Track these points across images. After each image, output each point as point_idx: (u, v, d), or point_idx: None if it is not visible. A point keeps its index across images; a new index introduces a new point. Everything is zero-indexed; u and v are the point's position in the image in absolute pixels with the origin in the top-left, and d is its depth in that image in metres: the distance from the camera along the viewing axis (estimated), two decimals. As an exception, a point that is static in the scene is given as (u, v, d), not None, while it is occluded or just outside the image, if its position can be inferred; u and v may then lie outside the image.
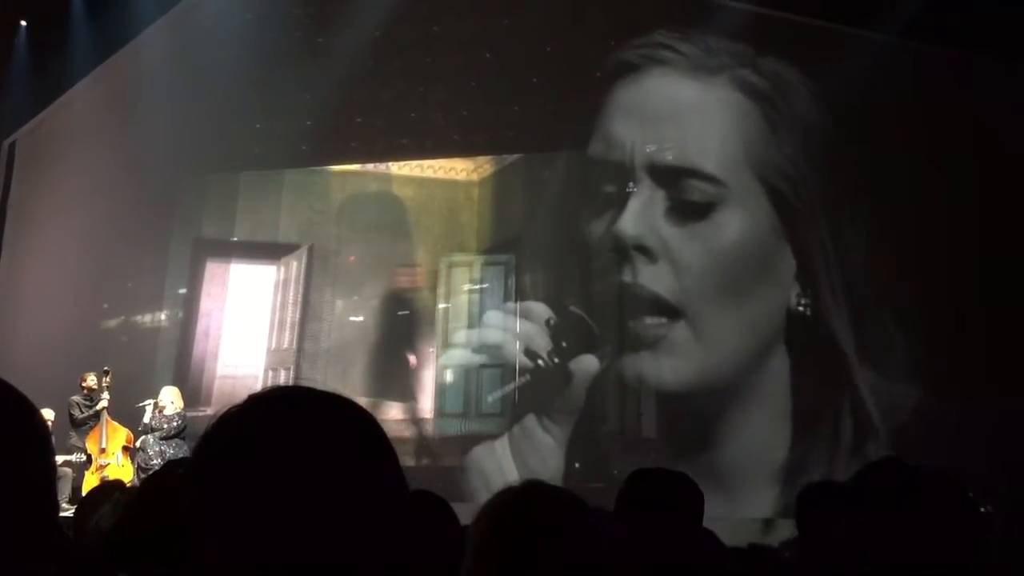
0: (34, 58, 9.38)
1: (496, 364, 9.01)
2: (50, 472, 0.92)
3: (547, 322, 8.82)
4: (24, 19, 9.47)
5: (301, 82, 9.34)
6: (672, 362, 8.53)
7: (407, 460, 8.81)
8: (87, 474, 7.72)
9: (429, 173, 9.91)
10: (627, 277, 8.67)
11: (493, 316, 9.16)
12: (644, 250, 8.66)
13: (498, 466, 8.63)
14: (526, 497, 1.23)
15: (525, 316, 8.96)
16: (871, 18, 8.71)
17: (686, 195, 8.73)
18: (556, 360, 8.71)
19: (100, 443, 7.83)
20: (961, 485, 1.34)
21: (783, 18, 8.95)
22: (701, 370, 8.51)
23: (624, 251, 8.68)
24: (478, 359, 9.10)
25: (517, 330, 8.99)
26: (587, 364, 8.65)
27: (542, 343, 8.79)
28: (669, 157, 8.85)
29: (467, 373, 9.15)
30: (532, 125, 9.38)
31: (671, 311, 8.54)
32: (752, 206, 8.79)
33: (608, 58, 9.19)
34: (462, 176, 9.87)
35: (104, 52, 9.46)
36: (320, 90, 9.23)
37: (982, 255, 8.74)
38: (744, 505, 8.05)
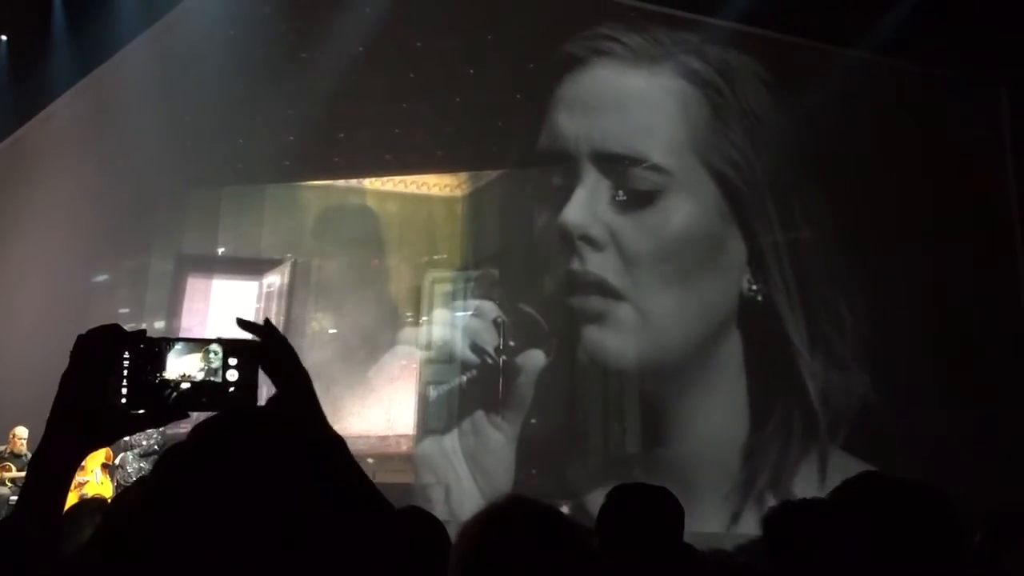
0: (15, 72, 9.32)
1: (480, 378, 9.01)
2: None
3: (495, 321, 8.89)
4: (4, 33, 9.42)
5: (284, 97, 9.33)
6: (617, 338, 8.62)
7: (391, 477, 8.78)
8: (65, 493, 7.61)
9: (412, 188, 9.91)
10: (575, 265, 8.75)
11: (440, 315, 9.23)
12: (589, 239, 8.75)
13: (448, 462, 8.67)
14: (509, 513, 1.22)
15: (474, 314, 9.02)
16: (825, 28, 8.92)
17: (631, 184, 8.83)
18: (504, 357, 8.79)
19: (78, 460, 7.73)
20: (942, 498, 1.34)
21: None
22: (647, 349, 8.60)
23: (570, 241, 8.76)
24: (461, 374, 9.09)
25: (464, 326, 9.07)
26: (534, 359, 8.71)
27: (489, 339, 8.86)
28: (613, 147, 8.94)
29: (450, 389, 9.12)
30: (515, 141, 9.41)
31: (617, 295, 8.63)
32: (698, 192, 8.88)
33: (554, 52, 9.27)
34: (445, 191, 9.88)
35: (85, 67, 9.42)
36: (303, 105, 9.23)
37: (934, 242, 8.91)
38: (702, 490, 8.12)
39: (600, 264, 8.70)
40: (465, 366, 8.93)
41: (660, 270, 8.70)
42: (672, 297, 8.66)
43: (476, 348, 8.89)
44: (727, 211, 8.87)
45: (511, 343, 8.83)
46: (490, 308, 8.99)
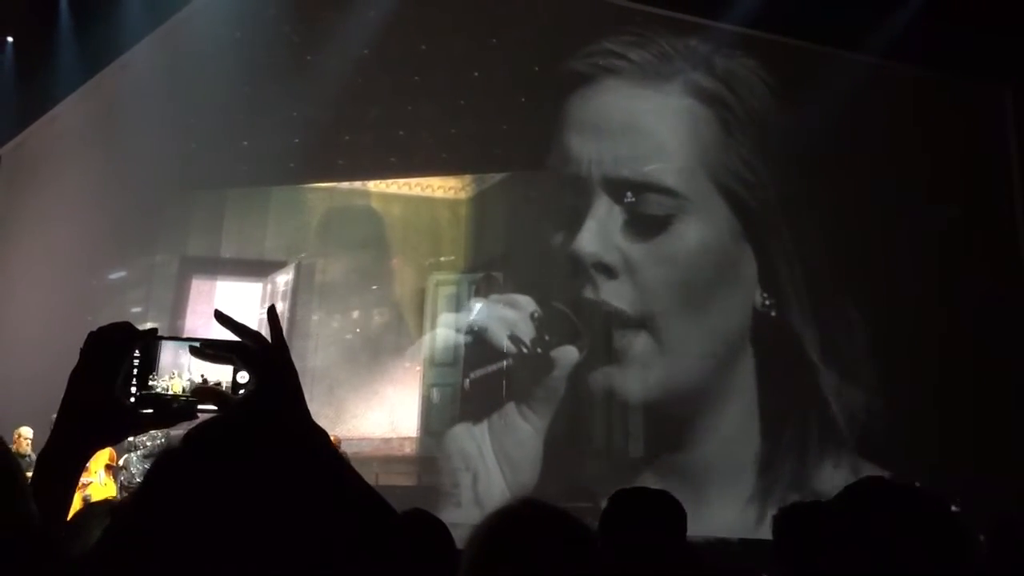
0: (20, 74, 9.34)
1: (483, 380, 9.01)
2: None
3: (531, 315, 8.87)
4: (10, 35, 9.44)
5: (289, 99, 9.33)
6: (638, 374, 8.61)
7: (394, 479, 8.79)
8: (69, 494, 7.61)
9: (416, 191, 9.92)
10: (588, 294, 8.72)
11: (473, 304, 9.21)
12: (603, 267, 8.72)
13: (478, 450, 8.67)
14: (521, 516, 1.22)
15: (511, 306, 8.99)
16: (835, 34, 8.90)
17: (643, 209, 8.80)
18: (539, 350, 8.78)
19: (83, 462, 7.73)
20: (945, 502, 1.34)
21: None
22: (667, 379, 8.60)
23: (583, 269, 8.74)
24: (464, 376, 9.09)
25: (500, 317, 9.03)
26: (568, 354, 8.70)
27: (526, 331, 8.85)
28: (625, 172, 8.90)
29: (453, 391, 9.13)
30: (519, 143, 9.41)
31: (634, 325, 8.61)
32: (710, 213, 8.86)
33: (560, 69, 9.24)
34: (449, 194, 9.88)
35: (91, 69, 9.43)
36: (308, 108, 9.23)
37: (942, 244, 8.89)
38: (719, 501, 8.14)
39: (614, 293, 8.68)
40: (501, 355, 8.91)
41: (675, 295, 8.69)
42: (687, 321, 8.67)
43: (513, 339, 8.88)
44: (739, 229, 8.86)
45: (546, 338, 8.81)
46: (527, 302, 8.99)
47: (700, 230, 8.81)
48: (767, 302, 8.79)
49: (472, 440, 8.75)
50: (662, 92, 9.09)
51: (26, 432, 7.85)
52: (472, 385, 9.05)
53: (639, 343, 8.63)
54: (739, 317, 8.78)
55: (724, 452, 8.52)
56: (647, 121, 9.08)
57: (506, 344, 8.90)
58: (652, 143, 9.01)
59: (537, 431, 8.62)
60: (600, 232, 8.80)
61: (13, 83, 9.35)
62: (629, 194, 8.85)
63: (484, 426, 8.81)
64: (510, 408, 8.78)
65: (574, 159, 9.03)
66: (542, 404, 8.66)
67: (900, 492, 1.33)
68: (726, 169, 8.89)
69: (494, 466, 8.59)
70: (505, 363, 8.91)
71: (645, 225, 8.78)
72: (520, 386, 8.81)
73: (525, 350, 8.81)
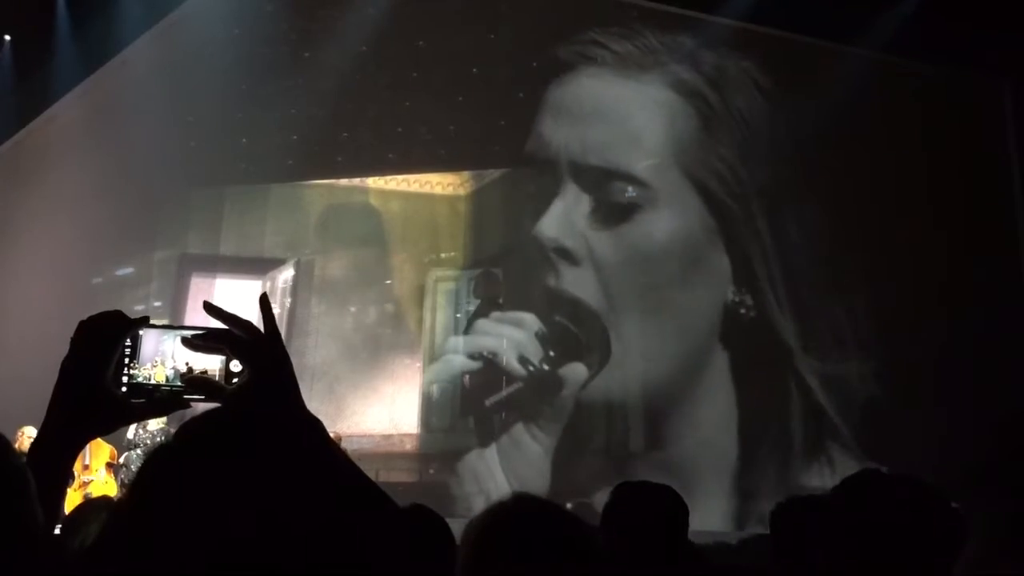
0: (18, 73, 9.33)
1: (482, 378, 9.00)
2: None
3: (536, 333, 8.83)
4: (8, 34, 9.43)
5: (287, 96, 9.33)
6: (599, 370, 8.56)
7: (394, 476, 8.80)
8: (69, 491, 7.60)
9: (415, 187, 9.91)
10: (550, 281, 8.67)
11: (483, 324, 9.15)
12: (564, 252, 8.67)
13: (490, 473, 8.66)
14: (515, 512, 1.22)
15: (516, 325, 8.95)
16: (824, 26, 8.88)
17: (611, 197, 8.75)
18: (546, 368, 8.73)
19: (83, 460, 7.74)
20: (943, 496, 1.35)
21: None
22: (631, 375, 8.54)
23: (545, 254, 8.69)
24: (464, 373, 9.09)
25: (508, 337, 8.97)
26: (576, 372, 8.66)
27: (533, 351, 8.80)
28: (592, 158, 8.87)
29: (453, 388, 9.12)
30: (518, 139, 9.41)
31: (592, 314, 8.57)
32: (681, 207, 8.81)
33: (544, 55, 9.22)
34: (448, 190, 9.87)
35: (89, 67, 9.42)
36: (306, 104, 9.22)
37: (937, 240, 8.89)
38: (712, 497, 8.12)
39: (576, 281, 8.63)
40: (511, 378, 8.86)
41: (638, 286, 8.63)
42: (650, 314, 8.61)
43: (522, 359, 8.82)
44: (712, 225, 8.81)
45: (551, 354, 8.76)
46: (532, 320, 8.91)
47: (668, 222, 8.77)
48: (738, 299, 8.75)
49: (484, 464, 8.71)
50: (641, 83, 9.07)
51: (29, 431, 7.85)
52: (442, 396, 9.02)
53: (598, 335, 8.59)
54: (709, 313, 8.74)
55: (703, 457, 8.47)
56: (621, 110, 9.05)
57: (516, 365, 8.83)
58: (624, 132, 8.97)
59: (546, 452, 8.57)
60: (564, 216, 8.76)
61: (11, 81, 9.34)
62: (596, 181, 8.81)
63: (493, 451, 8.78)
64: (519, 429, 8.72)
65: (546, 143, 9.02)
66: (550, 424, 8.62)
67: (898, 485, 1.33)
68: (701, 164, 8.85)
69: (505, 487, 8.55)
70: (514, 385, 8.83)
71: (611, 213, 8.74)
72: (528, 406, 8.77)
73: (532, 370, 8.73)
